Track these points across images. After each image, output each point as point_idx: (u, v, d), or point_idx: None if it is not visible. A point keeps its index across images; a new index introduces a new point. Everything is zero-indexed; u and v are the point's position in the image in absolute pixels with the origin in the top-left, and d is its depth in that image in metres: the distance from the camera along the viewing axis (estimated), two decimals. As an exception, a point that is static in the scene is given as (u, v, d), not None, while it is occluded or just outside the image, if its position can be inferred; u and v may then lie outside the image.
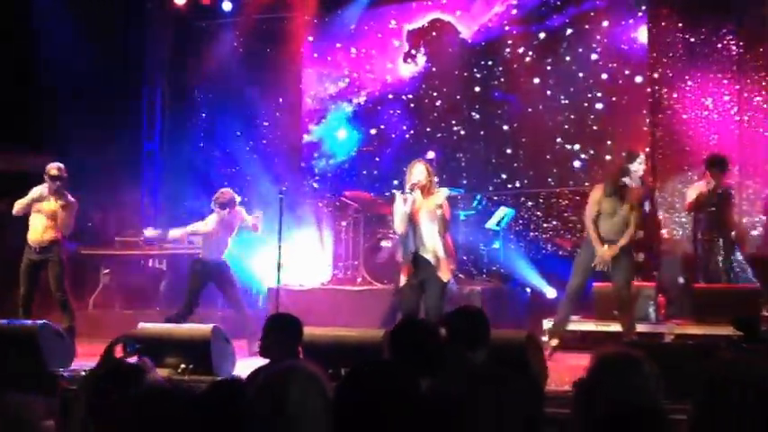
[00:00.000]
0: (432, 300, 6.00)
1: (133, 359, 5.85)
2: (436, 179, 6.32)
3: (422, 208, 6.09)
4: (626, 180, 7.71)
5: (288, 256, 8.44)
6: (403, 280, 6.13)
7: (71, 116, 9.80)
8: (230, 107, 11.17)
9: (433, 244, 6.06)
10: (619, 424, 2.02)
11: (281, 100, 10.96)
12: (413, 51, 10.32)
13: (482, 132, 9.97)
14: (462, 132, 10.02)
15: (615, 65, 9.31)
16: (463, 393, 2.11)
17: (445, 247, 6.09)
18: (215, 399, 2.13)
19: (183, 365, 5.86)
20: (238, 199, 7.83)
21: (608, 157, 9.16)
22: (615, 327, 7.06)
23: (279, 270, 7.37)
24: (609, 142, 9.25)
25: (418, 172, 6.16)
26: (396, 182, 8.88)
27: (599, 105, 9.38)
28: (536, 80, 9.66)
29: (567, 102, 9.49)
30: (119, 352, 6.04)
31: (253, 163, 10.96)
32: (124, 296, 9.48)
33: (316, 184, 10.65)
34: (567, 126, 9.50)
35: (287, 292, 8.41)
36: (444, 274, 6.03)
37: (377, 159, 10.31)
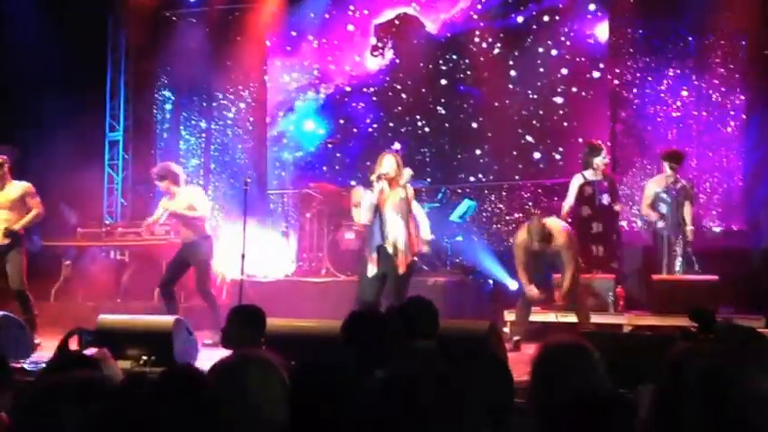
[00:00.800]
0: (391, 291, 6.07)
1: (90, 351, 5.83)
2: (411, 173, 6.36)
3: (388, 199, 6.13)
4: (588, 173, 7.84)
5: (252, 248, 8.42)
6: (371, 270, 6.17)
7: (32, 105, 9.67)
8: (195, 97, 11.11)
9: (395, 236, 6.11)
10: (576, 411, 2.06)
11: (246, 92, 10.92)
12: (380, 45, 10.35)
13: (446, 126, 10.03)
14: (427, 126, 10.08)
15: (577, 60, 9.42)
16: (416, 377, 2.16)
17: (408, 238, 6.13)
18: (170, 387, 2.13)
19: (144, 357, 5.82)
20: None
21: (561, 149, 9.31)
22: (576, 318, 7.17)
23: (243, 261, 7.35)
24: (574, 138, 9.35)
25: (388, 163, 6.20)
26: (359, 174, 8.92)
27: (560, 100, 9.49)
28: (500, 75, 9.74)
29: (529, 96, 9.59)
30: (74, 344, 6.00)
31: (218, 154, 10.92)
32: (86, 288, 9.38)
33: (279, 174, 10.63)
34: (529, 120, 9.60)
35: (251, 284, 8.40)
36: (402, 267, 6.09)
37: (342, 152, 10.32)
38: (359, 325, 3.53)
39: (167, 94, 11.22)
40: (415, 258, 6.33)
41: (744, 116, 8.80)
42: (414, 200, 6.39)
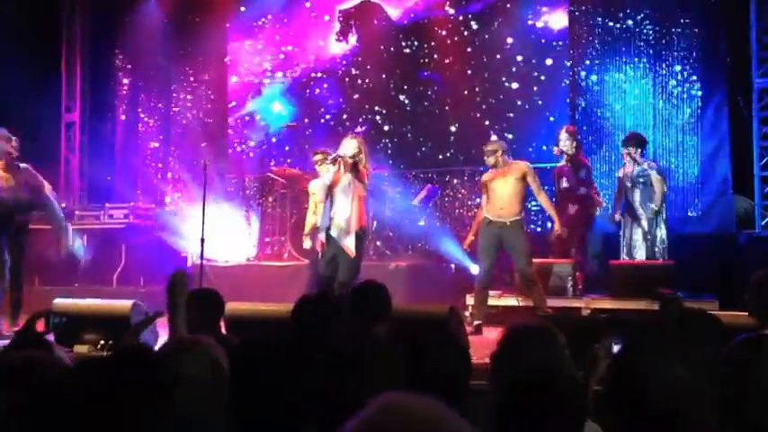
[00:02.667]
0: (341, 274, 6.12)
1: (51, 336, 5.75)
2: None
3: (338, 182, 6.16)
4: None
5: (213, 232, 8.36)
6: (319, 253, 6.25)
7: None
8: (154, 79, 10.96)
9: (341, 219, 6.15)
10: (529, 392, 2.08)
11: (206, 74, 10.80)
12: (343, 30, 10.32)
13: (408, 111, 10.06)
14: (389, 111, 10.09)
15: (537, 47, 9.50)
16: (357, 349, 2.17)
17: (354, 220, 6.16)
18: (118, 367, 2.09)
19: (102, 342, 5.76)
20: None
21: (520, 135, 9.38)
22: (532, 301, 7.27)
23: (203, 245, 7.29)
24: (534, 124, 9.43)
25: (348, 146, 6.22)
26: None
27: (518, 86, 9.56)
28: (460, 61, 9.81)
29: (489, 83, 9.64)
30: (40, 327, 5.91)
31: (177, 136, 10.79)
32: (43, 272, 9.22)
33: (241, 157, 10.55)
34: (489, 106, 9.65)
35: (212, 268, 8.35)
36: (347, 248, 6.13)
37: (305, 135, 10.28)
38: (307, 309, 3.52)
39: (125, 75, 11.04)
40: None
41: (699, 104, 8.94)
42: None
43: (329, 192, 6.21)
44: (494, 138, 8.14)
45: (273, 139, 10.44)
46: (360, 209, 6.27)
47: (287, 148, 10.34)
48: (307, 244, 6.90)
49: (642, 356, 1.92)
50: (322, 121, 10.26)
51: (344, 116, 10.18)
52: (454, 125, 9.80)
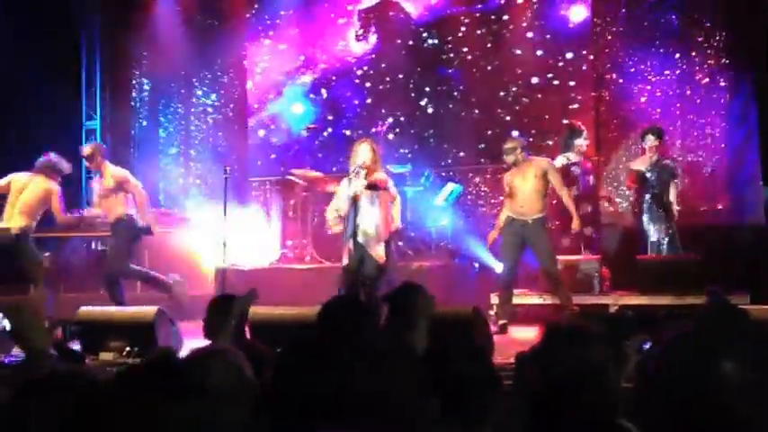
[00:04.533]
0: (368, 280, 6.08)
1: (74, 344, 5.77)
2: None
3: (362, 189, 6.14)
4: (569, 155, 7.82)
5: (236, 236, 8.36)
6: (346, 260, 6.20)
7: (5, 93, 9.50)
8: (173, 84, 10.96)
9: (367, 226, 6.12)
10: (555, 396, 2.03)
11: (225, 77, 10.79)
12: (363, 30, 10.28)
13: (429, 109, 9.98)
14: (410, 109, 10.02)
15: (558, 41, 9.38)
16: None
17: (383, 228, 6.13)
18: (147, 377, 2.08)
19: (127, 348, 5.77)
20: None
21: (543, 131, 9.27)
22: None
23: (224, 249, 7.28)
24: (557, 120, 9.30)
25: (364, 152, 6.18)
26: (340, 159, 8.83)
27: (539, 81, 9.45)
28: (481, 57, 9.72)
29: (510, 78, 9.54)
30: (59, 335, 5.94)
31: (198, 141, 10.80)
32: (67, 279, 9.27)
33: (260, 162, 10.53)
34: (510, 102, 9.55)
35: (235, 272, 8.34)
36: (377, 255, 6.09)
37: (326, 137, 10.25)
38: (334, 314, 3.47)
39: (145, 80, 11.07)
40: (399, 243, 6.31)
41: (727, 95, 8.79)
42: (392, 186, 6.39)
43: (353, 202, 6.18)
44: (514, 134, 8.06)
45: (295, 141, 10.40)
46: (387, 214, 6.23)
47: (310, 150, 10.30)
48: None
49: (694, 353, 1.86)
50: (343, 121, 10.21)
51: (365, 116, 10.12)
52: (476, 122, 9.71)
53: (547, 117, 9.33)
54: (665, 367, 1.96)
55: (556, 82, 9.38)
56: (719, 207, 8.71)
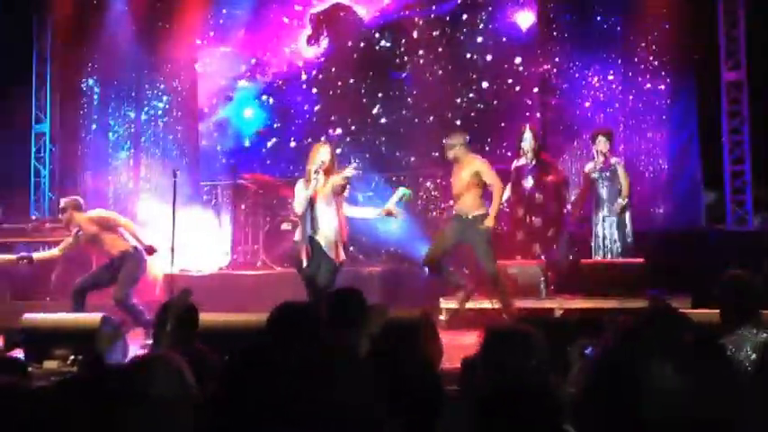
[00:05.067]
0: (322, 282, 6.08)
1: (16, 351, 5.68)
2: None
3: (320, 191, 6.14)
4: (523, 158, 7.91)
5: (185, 241, 8.30)
6: (304, 262, 6.19)
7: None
8: (124, 88, 10.84)
9: (325, 227, 6.12)
10: (501, 401, 2.08)
11: (176, 81, 10.70)
12: (315, 34, 10.29)
13: (380, 113, 10.03)
14: (361, 113, 10.05)
15: (507, 46, 9.51)
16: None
17: (339, 229, 6.14)
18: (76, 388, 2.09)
19: (72, 357, 5.70)
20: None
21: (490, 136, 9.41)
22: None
23: (173, 255, 7.23)
24: (503, 124, 9.44)
25: (325, 153, 6.20)
26: (291, 166, 8.84)
27: (489, 85, 9.56)
28: (431, 62, 9.79)
29: (460, 83, 9.64)
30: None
31: (148, 145, 10.70)
32: (13, 286, 9.10)
33: (210, 166, 10.46)
34: (461, 107, 9.65)
35: (184, 278, 8.28)
36: (333, 257, 6.10)
37: (276, 141, 10.23)
38: (282, 318, 3.49)
39: (95, 84, 10.93)
40: (351, 249, 6.34)
41: (668, 100, 9.00)
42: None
43: (311, 202, 6.18)
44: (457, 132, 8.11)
45: (245, 146, 10.37)
46: (343, 217, 6.26)
47: (260, 154, 10.28)
48: None
49: (631, 357, 1.92)
50: (294, 125, 10.20)
51: (317, 120, 10.13)
52: (426, 126, 9.78)
53: (497, 122, 9.45)
54: (604, 372, 2.04)
55: (504, 86, 9.50)
56: (661, 211, 8.92)
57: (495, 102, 9.54)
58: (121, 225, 7.30)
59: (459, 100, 9.66)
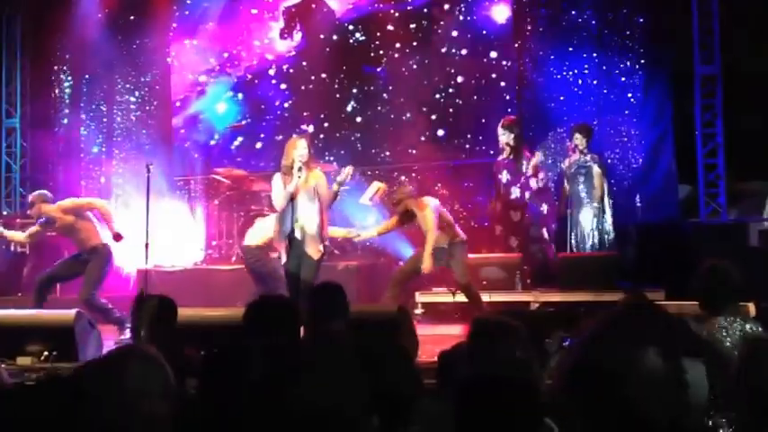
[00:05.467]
0: (304, 277, 6.03)
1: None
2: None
3: (302, 187, 6.09)
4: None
5: (159, 236, 8.22)
6: (284, 258, 6.14)
7: None
8: (96, 82, 10.71)
9: (304, 222, 6.07)
10: (482, 392, 2.07)
11: (148, 75, 10.59)
12: (288, 28, 10.22)
13: (355, 107, 10.00)
14: (335, 107, 10.01)
15: (482, 40, 9.51)
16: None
17: (320, 225, 6.09)
18: (50, 388, 2.06)
19: (45, 353, 5.63)
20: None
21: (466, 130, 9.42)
22: (484, 297, 7.30)
23: (147, 250, 7.16)
24: (480, 119, 9.44)
25: (302, 147, 6.13)
26: (262, 162, 8.74)
27: (464, 79, 9.56)
28: (406, 56, 9.76)
29: (435, 77, 9.63)
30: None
31: (120, 139, 10.58)
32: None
33: (183, 161, 10.37)
34: (436, 100, 9.64)
35: (158, 274, 8.21)
36: (314, 252, 6.05)
37: (249, 136, 10.16)
38: (260, 312, 3.46)
39: (66, 78, 10.79)
40: (327, 244, 6.27)
41: (643, 94, 9.05)
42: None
43: (291, 198, 6.12)
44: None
45: (218, 140, 10.28)
46: (325, 214, 6.20)
47: (233, 149, 10.20)
48: None
49: (607, 349, 1.93)
50: (268, 119, 10.14)
51: (290, 114, 10.08)
52: (401, 121, 9.76)
53: (474, 117, 9.46)
54: (580, 363, 2.04)
55: (480, 81, 9.51)
56: (636, 205, 8.98)
57: (472, 97, 9.53)
58: (97, 207, 7.19)
59: (437, 96, 9.62)
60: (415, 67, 9.73)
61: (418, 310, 7.30)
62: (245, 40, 10.34)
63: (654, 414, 1.78)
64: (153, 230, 7.41)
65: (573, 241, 7.95)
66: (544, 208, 8.00)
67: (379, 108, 9.88)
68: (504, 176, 8.01)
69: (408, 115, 9.69)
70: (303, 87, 10.11)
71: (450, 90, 9.60)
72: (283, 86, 10.19)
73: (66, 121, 10.76)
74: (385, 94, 9.88)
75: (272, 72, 10.24)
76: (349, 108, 10.01)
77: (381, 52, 9.90)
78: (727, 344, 3.48)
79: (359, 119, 9.96)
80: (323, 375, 1.99)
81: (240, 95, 10.32)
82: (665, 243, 8.16)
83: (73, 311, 5.91)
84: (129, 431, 1.86)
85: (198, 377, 2.36)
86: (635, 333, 2.48)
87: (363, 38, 10.01)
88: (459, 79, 9.58)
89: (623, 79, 9.11)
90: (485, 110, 9.33)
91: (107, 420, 1.83)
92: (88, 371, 2.01)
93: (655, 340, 1.95)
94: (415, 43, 9.75)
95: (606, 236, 7.87)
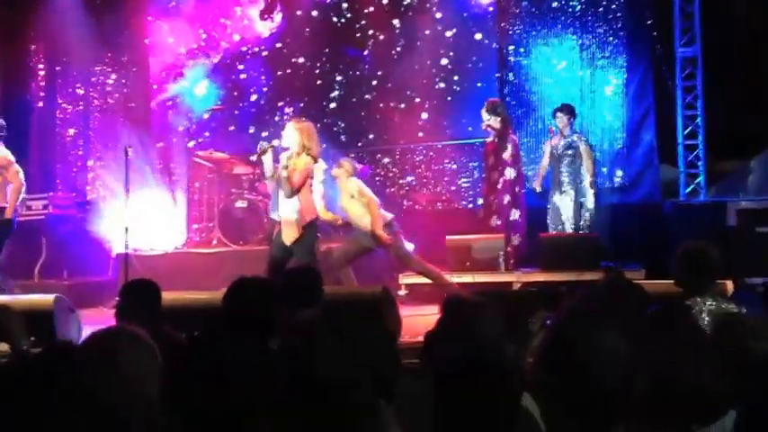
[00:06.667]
0: (286, 261, 6.02)
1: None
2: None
3: (281, 173, 6.07)
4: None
5: (139, 220, 8.15)
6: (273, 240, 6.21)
7: None
8: (72, 64, 10.53)
9: (280, 208, 6.07)
10: (461, 373, 2.06)
11: (126, 57, 10.44)
12: (269, 8, 10.11)
13: (337, 89, 9.93)
14: (317, 89, 9.94)
15: (466, 22, 9.47)
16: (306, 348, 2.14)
17: (301, 210, 6.06)
18: (44, 365, 2.04)
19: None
20: None
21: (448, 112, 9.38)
22: (468, 278, 7.33)
23: (126, 234, 7.08)
24: (463, 101, 9.41)
25: (285, 136, 6.13)
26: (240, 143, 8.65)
27: (449, 62, 9.52)
28: (389, 38, 9.70)
29: (419, 59, 9.57)
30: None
31: (97, 122, 10.43)
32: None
33: (163, 144, 10.26)
34: (420, 82, 9.59)
35: (139, 258, 8.13)
36: (287, 237, 6.04)
37: (231, 118, 10.06)
38: (235, 295, 3.42)
39: (41, 60, 10.61)
40: (310, 228, 6.20)
41: (626, 75, 9.08)
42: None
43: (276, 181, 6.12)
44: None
45: (198, 123, 10.17)
46: (309, 199, 6.17)
47: (213, 132, 10.10)
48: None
49: (581, 327, 1.93)
50: (249, 101, 10.05)
51: (271, 96, 9.99)
52: (383, 103, 9.72)
53: (459, 100, 9.42)
54: (559, 341, 2.04)
55: (464, 63, 9.47)
56: (618, 184, 9.02)
57: (456, 78, 9.49)
58: (14, 181, 7.00)
59: (418, 76, 9.56)
60: (399, 48, 9.65)
61: (402, 292, 7.28)
62: (224, 22, 10.21)
63: (621, 387, 1.79)
64: (133, 215, 7.34)
65: (550, 223, 7.95)
66: (505, 198, 7.93)
67: (362, 90, 9.80)
68: (490, 159, 8.00)
69: (392, 98, 9.62)
70: (284, 69, 10.01)
71: (434, 71, 9.55)
72: (264, 69, 10.08)
73: (41, 104, 10.58)
74: (368, 77, 9.80)
75: (251, 54, 10.12)
76: (331, 90, 9.94)
77: (364, 34, 9.82)
78: (705, 323, 3.52)
79: (341, 101, 9.88)
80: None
81: (219, 78, 10.20)
82: (646, 222, 8.22)
83: (52, 296, 5.84)
84: (120, 411, 1.84)
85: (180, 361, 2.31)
86: (611, 310, 2.49)
87: (345, 20, 9.91)
88: (444, 62, 9.53)
89: (605, 61, 9.13)
90: (468, 92, 9.30)
91: (98, 399, 1.81)
92: (79, 350, 1.99)
93: (630, 317, 1.96)
94: (399, 25, 9.65)
95: (587, 215, 7.87)
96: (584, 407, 1.81)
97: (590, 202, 7.89)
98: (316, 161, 6.19)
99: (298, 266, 4.20)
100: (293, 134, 6.07)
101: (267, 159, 6.07)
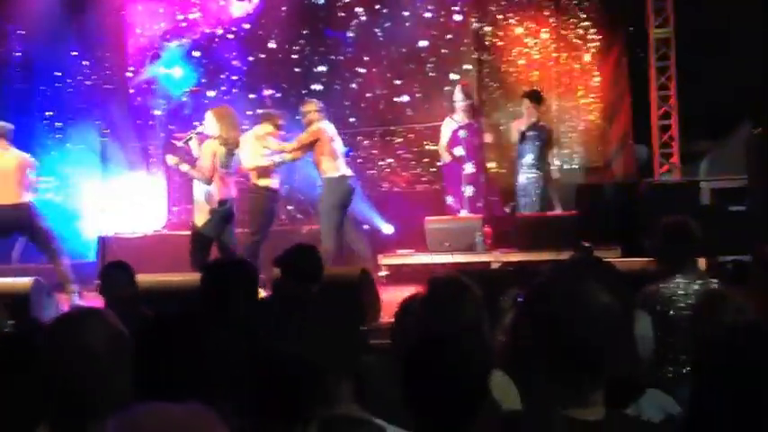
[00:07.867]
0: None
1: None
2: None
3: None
4: (457, 116, 7.93)
5: (117, 203, 8.14)
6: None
7: None
8: (49, 46, 10.43)
9: (194, 192, 6.26)
10: (436, 347, 2.11)
11: (103, 40, 10.35)
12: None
13: (316, 71, 9.91)
14: (296, 71, 9.92)
15: (445, 3, 9.48)
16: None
17: (207, 193, 6.25)
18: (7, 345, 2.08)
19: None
20: None
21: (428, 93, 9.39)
22: (447, 259, 7.40)
23: (104, 216, 7.09)
24: (440, 82, 9.44)
25: (204, 122, 6.57)
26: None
27: (425, 43, 9.54)
28: (368, 20, 9.68)
29: (398, 40, 9.58)
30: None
31: (75, 104, 10.36)
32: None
33: (141, 126, 10.21)
34: (399, 64, 9.60)
35: (118, 240, 8.13)
36: (198, 220, 6.24)
37: (209, 100, 10.02)
38: (217, 275, 3.47)
39: (17, 42, 10.50)
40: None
41: (600, 55, 9.14)
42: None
43: None
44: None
45: (175, 105, 10.13)
46: (219, 183, 6.46)
47: (190, 114, 10.06)
48: None
49: (559, 289, 1.98)
50: (226, 83, 10.02)
51: (249, 78, 9.96)
52: (364, 85, 9.72)
53: (434, 79, 9.44)
54: (527, 315, 2.10)
55: (443, 45, 9.48)
56: (594, 165, 9.12)
57: (433, 60, 9.51)
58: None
59: (397, 58, 9.56)
60: (377, 30, 9.63)
61: (382, 273, 7.34)
62: (200, 3, 10.15)
63: (599, 344, 1.85)
64: (113, 197, 7.34)
65: (521, 200, 8.06)
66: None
67: (341, 71, 9.78)
68: (459, 140, 8.06)
69: (372, 79, 9.61)
70: (261, 51, 9.97)
71: (415, 54, 9.55)
72: (241, 50, 10.04)
73: (17, 85, 10.49)
74: (347, 58, 9.77)
75: (228, 36, 10.07)
76: (309, 72, 9.91)
77: (343, 15, 9.77)
78: (687, 302, 3.52)
79: (320, 83, 9.84)
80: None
81: (196, 60, 10.16)
82: (621, 202, 8.32)
83: (30, 279, 5.85)
84: (89, 393, 1.87)
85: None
86: (580, 276, 2.55)
87: (323, 0, 9.87)
88: (423, 44, 9.53)
89: (579, 41, 9.19)
90: (446, 73, 9.31)
91: (64, 377, 1.84)
92: (44, 331, 2.02)
93: (599, 285, 2.02)
94: (377, 6, 9.63)
95: (551, 197, 7.99)
96: (566, 368, 1.86)
97: (553, 186, 8.02)
98: (227, 145, 6.48)
99: (301, 245, 4.28)
100: (209, 120, 6.31)
101: (193, 145, 6.51)
